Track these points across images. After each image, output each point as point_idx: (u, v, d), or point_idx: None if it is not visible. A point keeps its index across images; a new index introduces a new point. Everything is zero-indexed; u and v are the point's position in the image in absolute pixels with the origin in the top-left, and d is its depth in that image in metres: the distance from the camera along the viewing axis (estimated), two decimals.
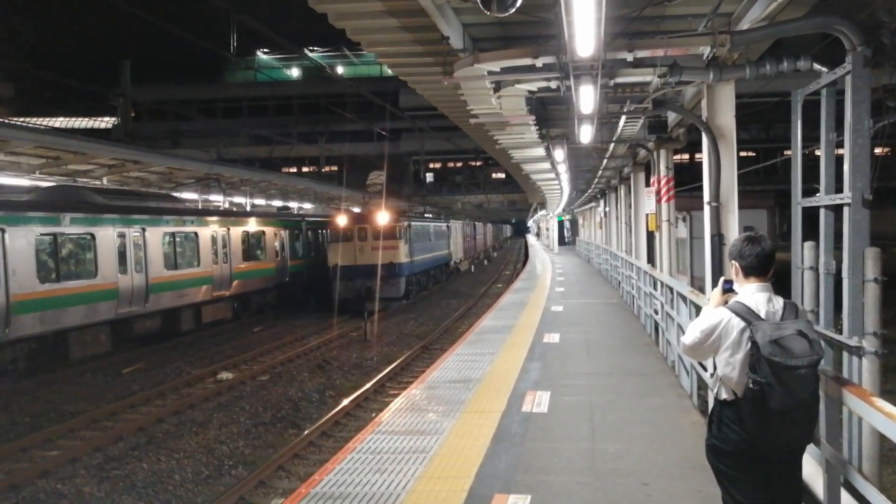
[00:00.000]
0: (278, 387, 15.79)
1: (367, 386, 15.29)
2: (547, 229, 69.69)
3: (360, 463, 6.82)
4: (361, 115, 61.47)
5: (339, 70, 75.58)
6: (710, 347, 4.03)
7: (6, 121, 38.61)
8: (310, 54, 70.52)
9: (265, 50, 79.44)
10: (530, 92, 11.08)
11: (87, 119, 68.58)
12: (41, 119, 65.50)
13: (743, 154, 46.91)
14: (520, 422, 8.01)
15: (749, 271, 4.09)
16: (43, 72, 51.92)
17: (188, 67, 73.17)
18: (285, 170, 62.02)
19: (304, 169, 74.94)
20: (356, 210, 33.61)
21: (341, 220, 28.32)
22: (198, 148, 57.57)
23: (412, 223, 31.18)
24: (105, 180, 17.82)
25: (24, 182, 16.63)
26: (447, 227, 41.61)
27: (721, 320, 4.00)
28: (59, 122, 68.67)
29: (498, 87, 10.35)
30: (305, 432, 12.23)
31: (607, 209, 31.27)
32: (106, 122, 66.78)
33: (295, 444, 11.52)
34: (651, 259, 17.86)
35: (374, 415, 12.46)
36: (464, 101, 11.45)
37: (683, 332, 9.07)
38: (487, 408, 8.64)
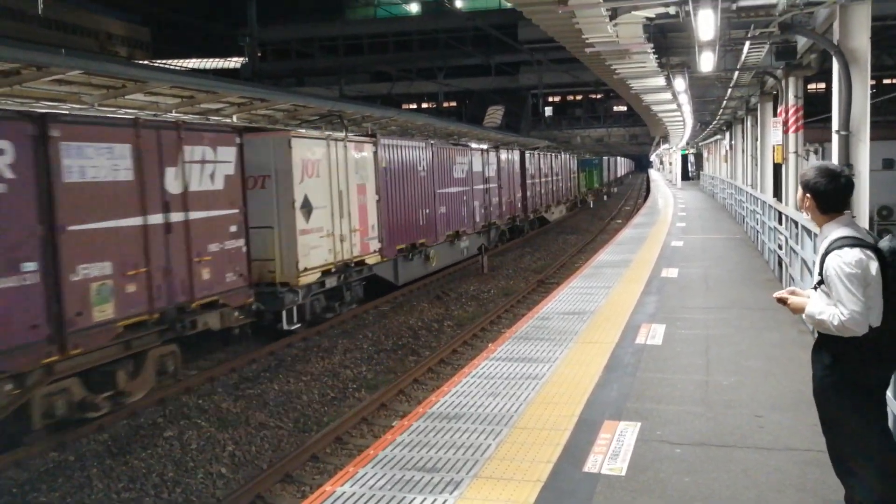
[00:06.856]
0: (399, 316, 16.36)
1: (484, 317, 15.63)
2: (670, 164, 67.60)
3: (474, 387, 7.09)
4: (480, 48, 60.92)
5: (458, 3, 74.81)
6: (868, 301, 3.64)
7: (145, 62, 40.72)
8: None
9: None
10: (648, 18, 10.74)
11: (218, 60, 71.30)
12: (176, 60, 68.48)
13: (887, 82, 43.51)
14: (633, 353, 8.06)
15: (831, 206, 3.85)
16: (176, 15, 54.23)
17: (311, 7, 74.32)
18: (405, 106, 62.58)
19: (424, 105, 75.41)
20: None
21: None
22: (321, 86, 58.81)
23: None
24: (235, 118, 18.60)
25: None
26: None
27: (862, 263, 3.63)
28: (193, 63, 71.50)
29: (614, 14, 10.08)
30: (425, 359, 12.71)
31: (733, 142, 30.07)
32: (235, 62, 69.17)
33: (414, 370, 12.02)
34: (777, 193, 17.16)
35: (489, 344, 12.77)
36: (579, 31, 11.22)
37: (808, 269, 8.81)
38: (600, 339, 8.72)
